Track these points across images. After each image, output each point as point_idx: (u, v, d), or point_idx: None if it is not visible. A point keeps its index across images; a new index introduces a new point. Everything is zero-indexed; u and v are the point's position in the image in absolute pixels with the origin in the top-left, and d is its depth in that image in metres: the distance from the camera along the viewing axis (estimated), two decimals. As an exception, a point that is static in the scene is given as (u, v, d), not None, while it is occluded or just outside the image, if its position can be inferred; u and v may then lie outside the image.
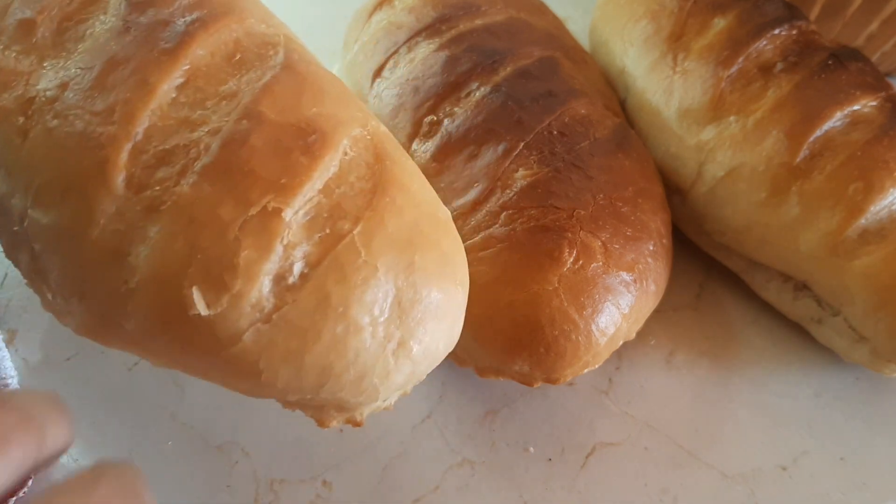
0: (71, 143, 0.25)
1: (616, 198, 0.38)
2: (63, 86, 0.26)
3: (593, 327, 0.35)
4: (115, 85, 0.26)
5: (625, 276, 0.37)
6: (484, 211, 0.37)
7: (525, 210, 0.37)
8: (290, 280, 0.25)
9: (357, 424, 0.30)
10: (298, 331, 0.24)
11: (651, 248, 0.38)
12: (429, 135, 0.41)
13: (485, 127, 0.39)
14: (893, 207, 0.38)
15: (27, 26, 0.27)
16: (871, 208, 0.38)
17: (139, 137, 0.25)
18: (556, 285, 0.35)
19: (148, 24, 0.27)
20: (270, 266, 0.24)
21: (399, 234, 0.26)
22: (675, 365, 0.43)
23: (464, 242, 0.37)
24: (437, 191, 0.39)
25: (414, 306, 0.26)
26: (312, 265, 0.25)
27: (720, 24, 0.45)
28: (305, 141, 0.26)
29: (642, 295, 0.38)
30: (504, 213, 0.37)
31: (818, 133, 0.39)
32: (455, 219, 0.38)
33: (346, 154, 0.27)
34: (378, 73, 0.45)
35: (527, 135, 0.39)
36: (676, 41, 0.46)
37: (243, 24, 0.29)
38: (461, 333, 0.36)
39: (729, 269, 0.46)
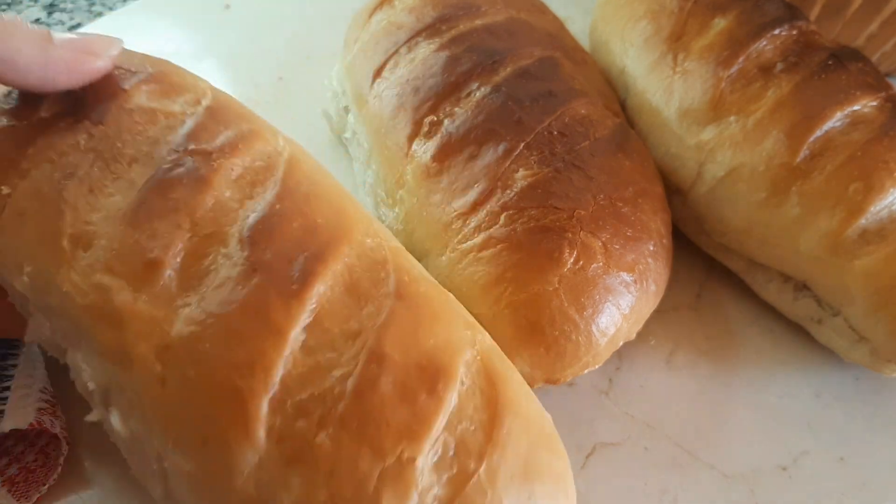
0: (210, 394, 0.26)
1: (616, 198, 0.38)
2: (197, 333, 0.27)
3: (593, 328, 0.35)
4: (249, 333, 0.26)
5: (625, 276, 0.37)
6: (484, 211, 0.37)
7: (525, 210, 0.37)
8: None
9: None
10: None
11: (651, 248, 0.38)
12: (429, 135, 0.41)
13: (485, 127, 0.39)
14: (893, 207, 0.38)
15: (154, 266, 0.28)
16: (871, 208, 0.38)
17: (276, 388, 0.26)
18: (557, 286, 0.35)
19: (270, 262, 0.28)
20: None
21: (518, 466, 0.28)
22: (675, 365, 0.43)
23: (464, 243, 0.37)
24: (438, 191, 0.39)
25: None
26: None
27: (720, 24, 0.45)
28: (429, 382, 0.27)
29: (642, 295, 0.38)
30: (504, 214, 0.37)
31: (818, 133, 0.39)
32: (455, 219, 0.38)
33: (462, 383, 0.28)
34: (378, 73, 0.45)
35: (527, 135, 0.39)
36: (676, 41, 0.46)
37: (353, 244, 0.30)
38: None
39: (729, 269, 0.46)
